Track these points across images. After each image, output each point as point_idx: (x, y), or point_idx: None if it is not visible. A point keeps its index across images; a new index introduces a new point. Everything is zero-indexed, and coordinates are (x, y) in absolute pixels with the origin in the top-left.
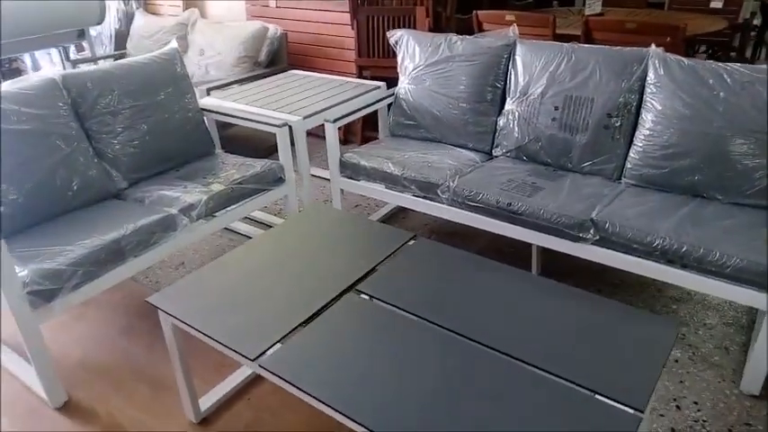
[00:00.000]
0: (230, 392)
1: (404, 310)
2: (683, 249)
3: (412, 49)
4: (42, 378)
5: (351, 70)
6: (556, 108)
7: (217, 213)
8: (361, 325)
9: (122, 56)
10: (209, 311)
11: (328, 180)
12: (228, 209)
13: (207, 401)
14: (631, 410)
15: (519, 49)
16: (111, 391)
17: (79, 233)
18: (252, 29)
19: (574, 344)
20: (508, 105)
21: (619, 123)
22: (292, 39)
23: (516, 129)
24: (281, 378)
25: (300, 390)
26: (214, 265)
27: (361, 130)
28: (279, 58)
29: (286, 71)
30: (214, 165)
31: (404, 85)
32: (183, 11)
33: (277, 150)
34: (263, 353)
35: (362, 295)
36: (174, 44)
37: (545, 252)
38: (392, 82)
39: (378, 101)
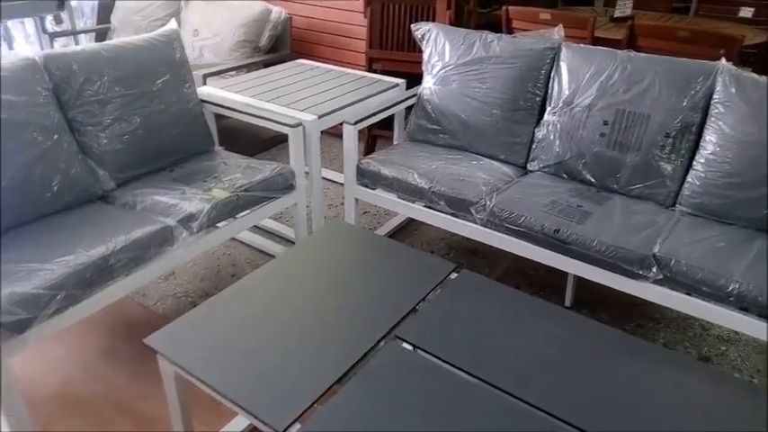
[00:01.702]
0: None
1: (454, 366)
2: (763, 297)
3: (441, 46)
4: (10, 417)
5: (359, 62)
6: (605, 123)
7: (219, 224)
8: (407, 384)
9: (106, 30)
10: (222, 361)
11: (336, 183)
12: (232, 219)
13: None
14: None
15: (565, 54)
16: (90, 428)
17: (60, 246)
18: (254, 10)
19: (659, 418)
20: (548, 116)
21: (677, 144)
22: (297, 24)
23: (557, 142)
24: None
25: None
26: (223, 297)
27: (368, 129)
28: (281, 44)
29: (289, 59)
30: (215, 165)
31: (429, 85)
32: None
33: (274, 145)
34: (293, 423)
35: (405, 344)
36: (173, 24)
37: (578, 280)
38: (407, 77)
39: (400, 101)
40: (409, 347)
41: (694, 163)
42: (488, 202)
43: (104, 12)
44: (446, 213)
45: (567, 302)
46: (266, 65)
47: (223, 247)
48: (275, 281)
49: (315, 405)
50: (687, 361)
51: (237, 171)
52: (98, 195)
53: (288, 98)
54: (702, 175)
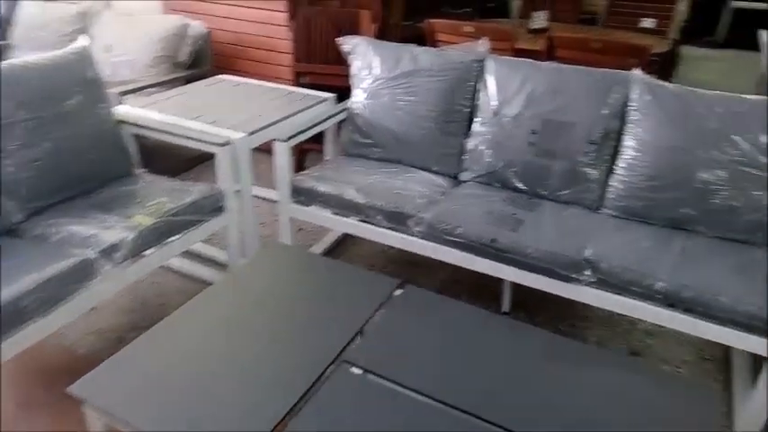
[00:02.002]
0: None
1: (406, 388)
2: (688, 294)
3: (370, 60)
4: None
5: (285, 76)
6: (533, 132)
7: (146, 252)
8: (359, 410)
9: (5, 48)
10: (159, 405)
11: (266, 200)
12: (160, 246)
13: None
14: None
15: (491, 66)
16: None
17: None
18: (171, 25)
19: (608, 423)
20: (477, 127)
21: (600, 150)
22: (217, 38)
23: (488, 152)
24: None
25: None
26: (154, 333)
27: (298, 144)
28: (202, 59)
29: (211, 75)
30: (137, 189)
31: (359, 100)
32: None
33: (198, 164)
34: None
35: (354, 368)
36: (83, 41)
37: (513, 285)
38: (336, 91)
39: (331, 116)
40: (359, 371)
41: (616, 168)
42: (426, 215)
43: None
44: (384, 228)
45: (505, 308)
46: (187, 81)
47: (149, 275)
48: (211, 312)
49: None
50: (633, 363)
51: (162, 195)
52: (5, 229)
53: (213, 115)
54: (625, 178)
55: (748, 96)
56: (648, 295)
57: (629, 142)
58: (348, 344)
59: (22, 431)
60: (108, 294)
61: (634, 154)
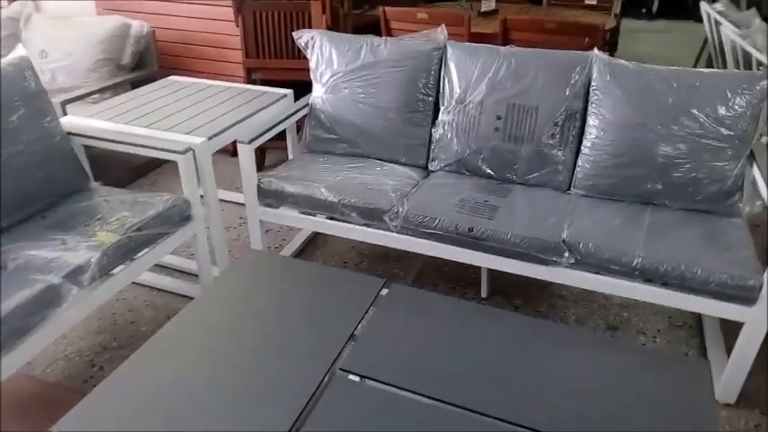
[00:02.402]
0: None
1: (405, 390)
2: (664, 268)
3: (328, 54)
4: None
5: (237, 73)
6: (498, 117)
7: (114, 271)
8: (364, 419)
9: None
10: None
11: (230, 202)
12: (127, 263)
13: None
14: None
15: (451, 53)
16: None
17: None
18: (110, 25)
19: (613, 405)
20: (443, 115)
21: (565, 132)
22: (162, 37)
23: (455, 140)
24: None
25: None
26: (137, 359)
27: None
28: (147, 60)
29: (159, 76)
30: (95, 205)
31: (320, 94)
32: (9, 3)
33: (151, 170)
34: None
35: (351, 376)
36: (21, 50)
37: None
38: (291, 85)
39: (293, 113)
40: (356, 378)
41: (582, 148)
42: (401, 209)
43: None
44: (359, 224)
45: (484, 293)
46: (133, 84)
47: (119, 293)
48: (194, 330)
49: None
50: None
51: (124, 208)
52: None
53: (168, 121)
54: (591, 158)
55: (703, 70)
56: (626, 272)
57: (592, 122)
58: (342, 350)
59: None
60: (77, 320)
61: (598, 133)
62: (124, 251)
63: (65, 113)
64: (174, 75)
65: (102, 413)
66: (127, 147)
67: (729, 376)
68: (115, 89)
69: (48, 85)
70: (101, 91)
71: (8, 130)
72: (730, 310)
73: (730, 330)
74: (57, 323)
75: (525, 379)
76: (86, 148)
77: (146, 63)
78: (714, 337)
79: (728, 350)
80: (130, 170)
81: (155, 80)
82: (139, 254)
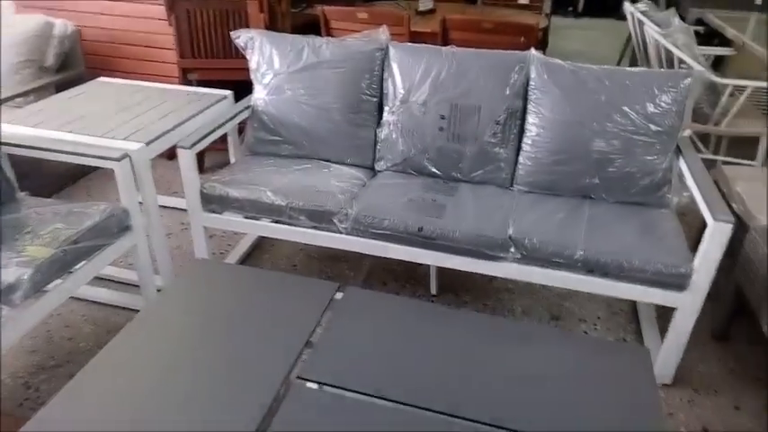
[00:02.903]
0: None
1: (365, 395)
2: (604, 259)
3: (268, 54)
4: None
5: (171, 73)
6: (442, 117)
7: (48, 287)
8: (324, 426)
9: None
10: None
11: (169, 208)
12: (63, 278)
13: None
14: None
15: (394, 54)
16: None
17: None
18: (31, 25)
19: (561, 394)
20: (387, 116)
21: (507, 130)
22: (89, 36)
23: (400, 141)
24: None
25: None
26: (86, 374)
27: None
28: (73, 61)
29: (87, 78)
30: (24, 217)
31: (262, 96)
32: None
33: (80, 177)
34: None
35: (309, 384)
36: None
37: (439, 267)
38: (229, 85)
39: (234, 115)
40: (314, 386)
41: (523, 145)
42: (350, 211)
43: None
44: (307, 227)
45: (433, 290)
46: (58, 87)
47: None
48: (143, 344)
49: None
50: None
51: (57, 220)
52: None
53: (101, 126)
54: (531, 155)
55: (633, 69)
56: (569, 264)
57: (532, 120)
58: (298, 358)
59: None
60: (11, 341)
61: (538, 131)
62: (59, 265)
63: None
64: (104, 77)
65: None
66: (58, 155)
67: (664, 358)
68: (39, 92)
69: None
70: (24, 94)
71: None
72: (664, 297)
73: (662, 315)
74: None
75: (479, 375)
76: (9, 155)
77: (71, 64)
78: (648, 322)
79: (662, 333)
80: (59, 177)
81: (81, 82)
82: (76, 267)
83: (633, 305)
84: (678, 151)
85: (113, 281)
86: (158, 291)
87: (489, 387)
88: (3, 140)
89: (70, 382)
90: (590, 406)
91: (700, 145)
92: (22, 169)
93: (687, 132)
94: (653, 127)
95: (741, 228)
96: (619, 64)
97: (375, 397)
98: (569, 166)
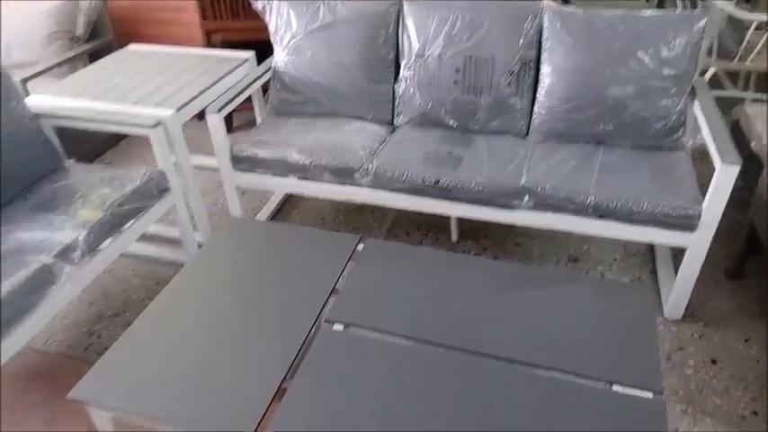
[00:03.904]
0: None
1: (386, 333)
2: (614, 204)
3: (286, 16)
4: None
5: (195, 36)
6: (457, 70)
7: (101, 246)
8: (347, 364)
9: None
10: (162, 393)
11: (204, 168)
12: (113, 237)
13: None
14: (651, 395)
15: (408, 9)
16: None
17: None
18: None
19: (567, 332)
20: (404, 71)
21: (521, 80)
22: (113, 4)
23: (417, 95)
24: None
25: None
26: (137, 327)
27: None
28: (101, 29)
29: (116, 47)
30: (73, 184)
31: (282, 57)
32: None
33: (117, 142)
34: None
35: (335, 326)
36: None
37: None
38: (253, 45)
39: (258, 77)
40: (340, 327)
41: (537, 95)
42: (370, 166)
43: None
44: (331, 183)
45: (454, 238)
46: (90, 56)
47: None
48: (187, 295)
49: (270, 409)
50: (572, 276)
51: (102, 185)
52: None
53: (134, 94)
54: (546, 104)
55: (645, 13)
56: (581, 210)
57: (546, 69)
58: (325, 304)
59: None
60: (72, 295)
61: (551, 80)
62: (108, 227)
63: (26, 91)
64: (131, 43)
65: (112, 378)
66: (97, 124)
67: (676, 296)
68: (73, 62)
69: (4, 61)
70: (59, 65)
71: None
72: (674, 238)
73: (678, 255)
74: (54, 300)
75: (493, 316)
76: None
77: (100, 33)
78: (664, 262)
79: (677, 273)
80: (100, 143)
81: (111, 50)
82: (123, 227)
83: (651, 246)
84: (693, 94)
85: (158, 237)
86: (199, 245)
87: (498, 326)
88: (48, 113)
89: (128, 329)
90: (592, 342)
91: (727, 83)
92: (65, 137)
93: (711, 70)
94: (667, 71)
95: (757, 166)
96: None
97: (395, 335)
98: (583, 113)
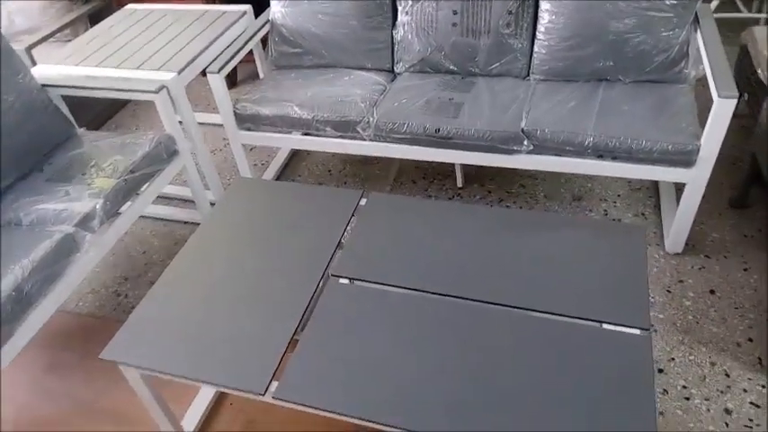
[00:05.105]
0: (210, 404)
1: (390, 286)
2: (613, 143)
3: None
4: None
5: None
6: (455, 12)
7: (119, 211)
8: (354, 316)
9: None
10: (184, 348)
11: (209, 124)
12: (130, 202)
13: (189, 423)
14: (639, 331)
15: None
16: None
17: None
18: None
19: (562, 276)
20: (401, 16)
21: (520, 20)
22: None
23: (415, 40)
24: (299, 404)
25: (324, 410)
26: (158, 289)
27: None
28: None
29: (116, 6)
30: (86, 152)
31: (279, 9)
32: None
33: (123, 105)
34: (270, 382)
35: (341, 280)
36: None
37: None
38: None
39: (255, 32)
40: (346, 281)
41: (537, 33)
42: (371, 118)
43: None
44: (334, 137)
45: (459, 183)
46: (91, 19)
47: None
48: (202, 255)
49: (282, 361)
50: (569, 219)
51: (114, 152)
52: None
53: (136, 58)
54: (546, 43)
55: None
56: (580, 151)
57: (544, 6)
58: (331, 258)
59: (59, 391)
60: (96, 260)
61: (550, 17)
62: (123, 193)
63: (32, 59)
64: (138, 4)
65: (140, 337)
66: (104, 92)
67: (676, 230)
68: (74, 25)
69: (7, 29)
70: (60, 30)
71: None
72: (673, 174)
73: (683, 187)
74: (80, 266)
75: (492, 263)
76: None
77: None
78: (668, 195)
79: None
80: (106, 107)
81: (110, 10)
82: (139, 191)
83: (655, 181)
84: (696, 23)
85: (173, 198)
86: (211, 204)
87: (498, 273)
88: (55, 82)
89: (150, 290)
90: (586, 283)
91: (740, 5)
92: (73, 104)
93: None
94: (668, 0)
95: (764, 93)
96: None
97: (399, 287)
98: (583, 50)
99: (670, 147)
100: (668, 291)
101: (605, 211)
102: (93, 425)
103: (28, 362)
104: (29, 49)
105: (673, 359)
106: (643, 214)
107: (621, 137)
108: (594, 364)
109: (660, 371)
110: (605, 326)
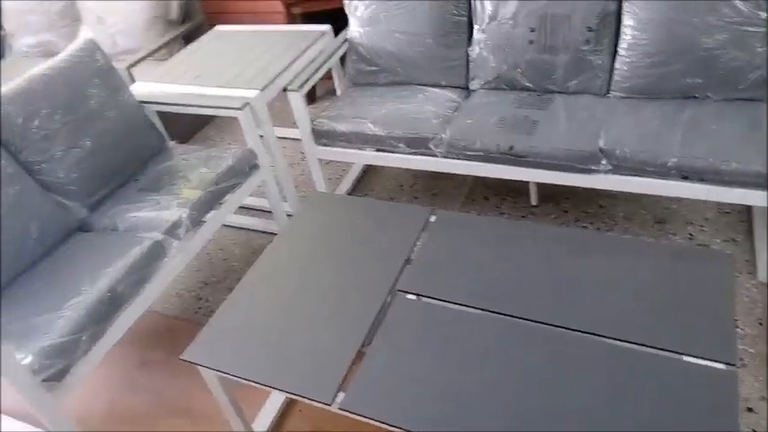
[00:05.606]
0: (280, 409)
1: (457, 304)
2: (699, 165)
3: None
4: None
5: (276, 9)
6: (532, 30)
7: (203, 220)
8: (420, 331)
9: (3, 37)
10: (258, 354)
11: (288, 139)
12: (213, 213)
13: (260, 425)
14: (724, 366)
15: None
16: None
17: (64, 290)
18: None
19: (641, 303)
20: (477, 34)
21: (600, 36)
22: None
23: (491, 58)
24: (365, 417)
25: (387, 424)
26: (235, 296)
27: None
28: (193, 11)
29: (207, 28)
30: (176, 165)
31: (356, 28)
32: None
33: (210, 120)
34: (338, 392)
35: (408, 295)
36: (87, 34)
37: None
38: (332, 15)
39: (335, 51)
40: (413, 297)
41: (618, 50)
42: (444, 135)
43: None
44: (406, 153)
45: (534, 201)
46: (185, 38)
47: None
48: (278, 265)
49: (350, 372)
50: (650, 244)
51: (201, 165)
52: (75, 227)
53: (223, 76)
54: (627, 59)
55: None
56: (663, 172)
57: (627, 22)
58: (399, 274)
59: (147, 387)
60: (182, 266)
61: (633, 33)
62: (208, 203)
63: (131, 77)
64: (219, 24)
65: (218, 341)
66: (192, 108)
67: None
68: (170, 45)
69: (110, 49)
70: (158, 50)
71: (94, 110)
72: (765, 198)
73: None
74: (167, 270)
75: (564, 286)
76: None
77: (192, 14)
78: (761, 221)
79: None
80: (198, 120)
81: (203, 29)
82: (221, 202)
83: (747, 205)
84: None
85: (252, 209)
86: (288, 216)
87: (570, 297)
88: (150, 99)
89: (231, 293)
90: (666, 312)
91: None
92: (164, 118)
93: None
94: (762, 14)
95: None
96: None
97: (465, 306)
98: (669, 67)
99: (764, 168)
100: (760, 323)
101: (690, 235)
102: (173, 421)
103: (120, 359)
104: (129, 67)
105: (764, 398)
106: (733, 240)
107: (710, 158)
108: (672, 399)
109: (749, 410)
110: (686, 358)
